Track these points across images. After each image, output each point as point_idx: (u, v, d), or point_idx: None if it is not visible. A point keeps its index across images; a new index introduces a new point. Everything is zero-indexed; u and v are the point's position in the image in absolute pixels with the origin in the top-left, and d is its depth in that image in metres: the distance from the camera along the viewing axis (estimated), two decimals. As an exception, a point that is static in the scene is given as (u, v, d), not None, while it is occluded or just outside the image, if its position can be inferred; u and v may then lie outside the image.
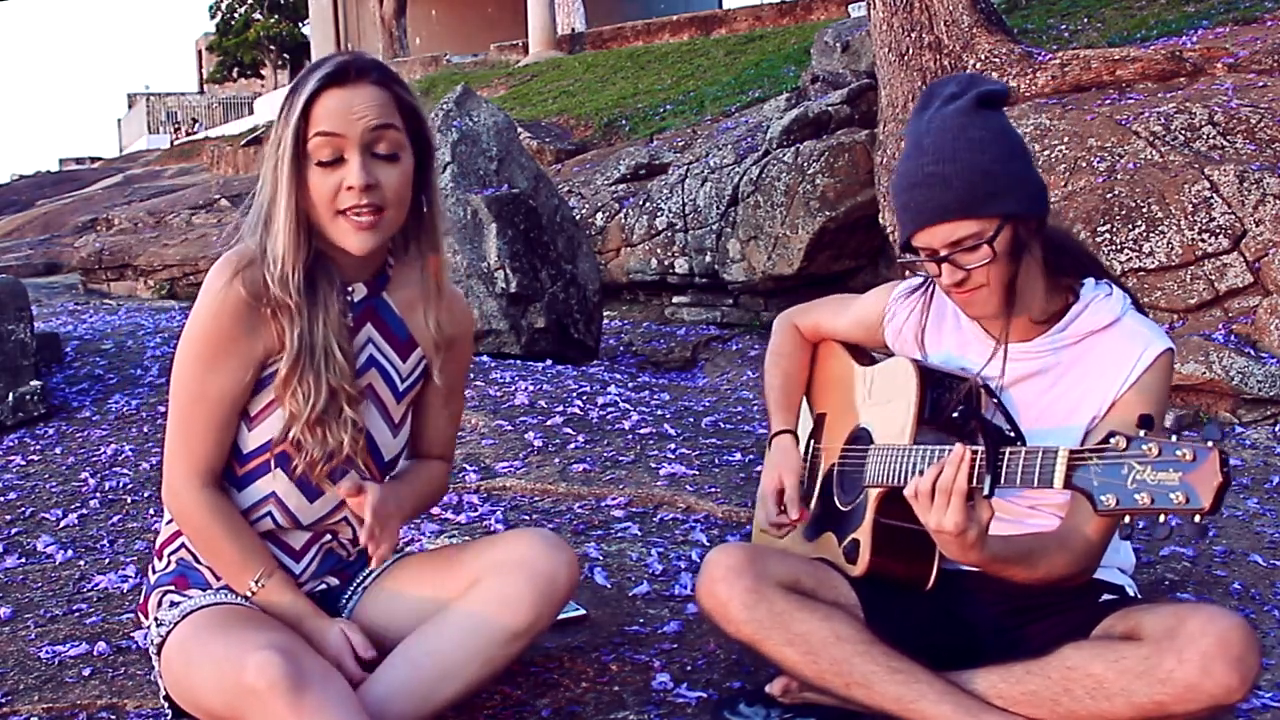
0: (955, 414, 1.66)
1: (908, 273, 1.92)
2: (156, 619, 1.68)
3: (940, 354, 1.82)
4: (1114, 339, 1.68)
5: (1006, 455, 1.45)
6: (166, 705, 1.66)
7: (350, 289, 1.69)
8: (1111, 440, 1.33)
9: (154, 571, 1.76)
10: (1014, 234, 1.61)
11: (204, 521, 1.64)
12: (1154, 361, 1.65)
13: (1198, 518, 1.26)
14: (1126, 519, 1.31)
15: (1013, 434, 1.66)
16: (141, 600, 1.79)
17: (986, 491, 1.45)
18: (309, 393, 1.61)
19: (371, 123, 1.57)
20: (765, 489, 1.92)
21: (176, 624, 1.61)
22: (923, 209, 1.62)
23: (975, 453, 1.46)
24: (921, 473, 1.56)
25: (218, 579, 1.70)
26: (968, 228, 1.60)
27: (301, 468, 1.65)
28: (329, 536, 1.75)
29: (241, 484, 1.68)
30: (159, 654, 1.63)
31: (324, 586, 1.76)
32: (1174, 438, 1.29)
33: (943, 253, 1.62)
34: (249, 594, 1.65)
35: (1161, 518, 1.28)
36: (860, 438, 1.84)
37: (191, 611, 1.61)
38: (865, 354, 2.01)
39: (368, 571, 1.79)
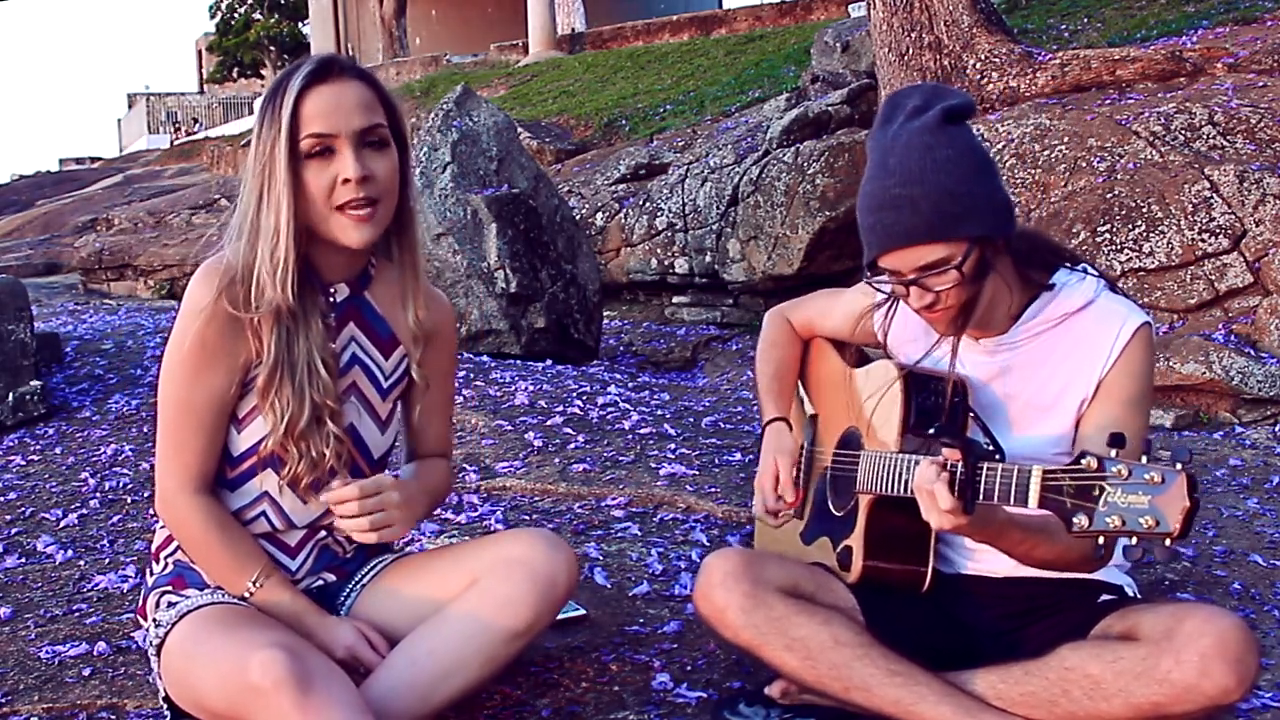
0: (934, 427, 1.65)
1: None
2: (155, 620, 1.68)
3: (909, 353, 1.81)
4: (1090, 319, 1.68)
5: (984, 471, 1.44)
6: (165, 706, 1.66)
7: (333, 289, 1.70)
8: (1084, 461, 1.32)
9: (151, 574, 1.76)
10: (981, 255, 1.59)
11: (198, 528, 1.65)
12: (1133, 336, 1.65)
13: (1167, 541, 1.25)
14: (1100, 540, 1.31)
15: (990, 446, 1.66)
16: (140, 603, 1.79)
17: (966, 507, 1.44)
18: (288, 405, 1.62)
19: (362, 124, 1.59)
20: (760, 476, 1.92)
21: (175, 624, 1.61)
22: (890, 232, 1.58)
23: (954, 469, 1.45)
24: (906, 482, 1.56)
25: (216, 580, 1.70)
26: (936, 252, 1.57)
27: (288, 477, 1.66)
28: (325, 533, 1.75)
29: (234, 485, 1.69)
30: (158, 654, 1.63)
31: (320, 583, 1.76)
32: (1144, 459, 1.28)
33: (910, 276, 1.60)
34: (246, 596, 1.66)
35: (1133, 540, 1.28)
36: (851, 441, 1.84)
37: (189, 611, 1.61)
38: (855, 354, 2.01)
39: (366, 569, 1.79)
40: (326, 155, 1.58)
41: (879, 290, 1.75)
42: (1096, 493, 1.30)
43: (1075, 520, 1.31)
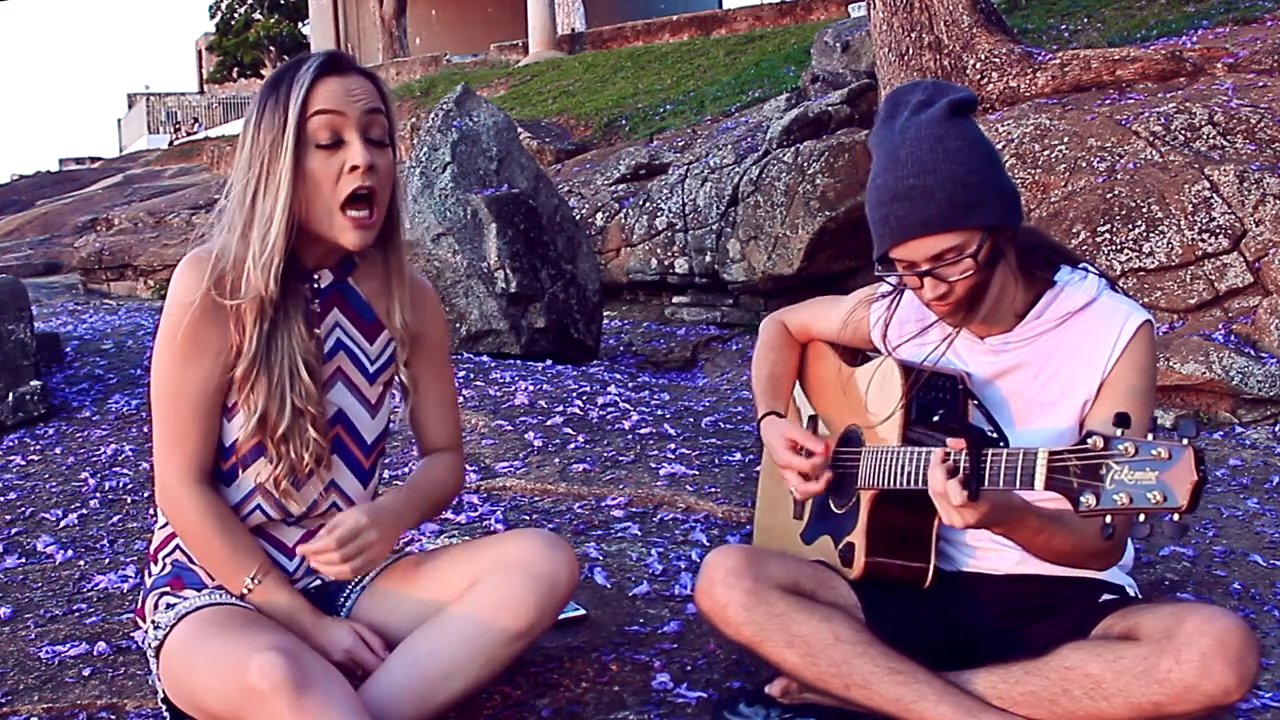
0: (936, 418, 1.65)
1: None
2: (154, 621, 1.68)
3: (910, 351, 1.82)
4: (1092, 318, 1.68)
5: (989, 457, 1.44)
6: (164, 708, 1.66)
7: (316, 275, 1.71)
8: (1089, 440, 1.32)
9: (150, 575, 1.76)
10: (994, 244, 1.60)
11: (198, 520, 1.65)
12: (1135, 333, 1.66)
13: (1176, 516, 1.25)
14: (1108, 518, 1.31)
15: (994, 434, 1.66)
16: (139, 605, 1.79)
17: (970, 494, 1.44)
18: (262, 402, 1.62)
19: (368, 105, 1.61)
20: (778, 459, 1.85)
21: (174, 626, 1.61)
22: (904, 222, 1.59)
23: (958, 458, 1.45)
24: (909, 475, 1.56)
25: (213, 579, 1.70)
26: (950, 240, 1.58)
27: (267, 479, 1.66)
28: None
29: (228, 479, 1.69)
30: (157, 656, 1.63)
31: (319, 583, 1.76)
32: (1150, 436, 1.28)
33: (924, 267, 1.61)
34: (244, 592, 1.66)
35: (1141, 517, 1.27)
36: (851, 439, 1.84)
37: (188, 613, 1.61)
38: (854, 354, 2.01)
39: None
40: (333, 146, 1.59)
41: (888, 283, 1.75)
42: (1103, 471, 1.30)
43: (1083, 500, 1.31)
